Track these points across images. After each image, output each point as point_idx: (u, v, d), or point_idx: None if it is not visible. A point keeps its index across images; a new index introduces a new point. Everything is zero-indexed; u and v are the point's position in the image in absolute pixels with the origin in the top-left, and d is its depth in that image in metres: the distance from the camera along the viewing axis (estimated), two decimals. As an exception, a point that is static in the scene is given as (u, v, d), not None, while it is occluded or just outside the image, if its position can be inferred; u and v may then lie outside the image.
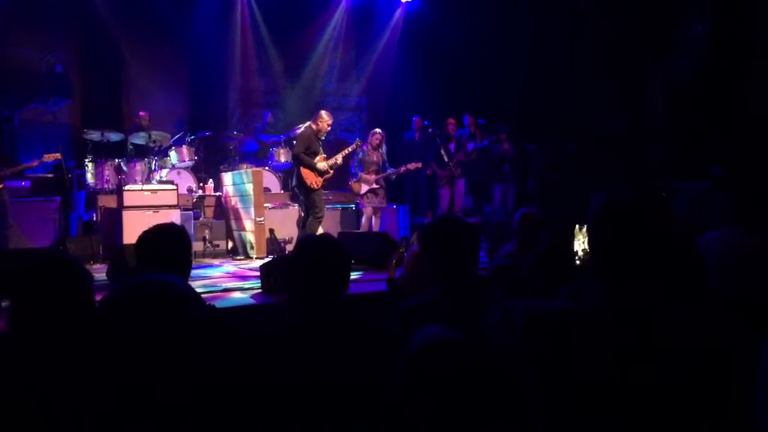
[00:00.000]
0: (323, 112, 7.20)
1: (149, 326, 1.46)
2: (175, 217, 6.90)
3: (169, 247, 2.42)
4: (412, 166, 8.18)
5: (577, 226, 2.04)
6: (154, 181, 7.59)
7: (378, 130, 8.13)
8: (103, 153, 7.93)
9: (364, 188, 7.94)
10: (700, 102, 8.23)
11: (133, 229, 6.68)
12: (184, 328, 1.53)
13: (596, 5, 9.34)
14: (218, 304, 4.05)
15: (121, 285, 1.57)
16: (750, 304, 2.60)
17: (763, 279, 2.69)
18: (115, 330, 1.49)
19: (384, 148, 8.13)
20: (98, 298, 1.78)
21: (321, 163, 7.01)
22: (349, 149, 7.64)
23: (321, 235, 5.83)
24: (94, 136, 7.96)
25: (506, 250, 3.92)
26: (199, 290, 2.96)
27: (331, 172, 7.13)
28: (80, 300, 1.66)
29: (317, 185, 6.94)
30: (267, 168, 8.54)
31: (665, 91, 9.03)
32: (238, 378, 1.96)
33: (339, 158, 7.29)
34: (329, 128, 7.21)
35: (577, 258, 2.03)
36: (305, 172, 6.92)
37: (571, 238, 2.04)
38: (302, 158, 6.95)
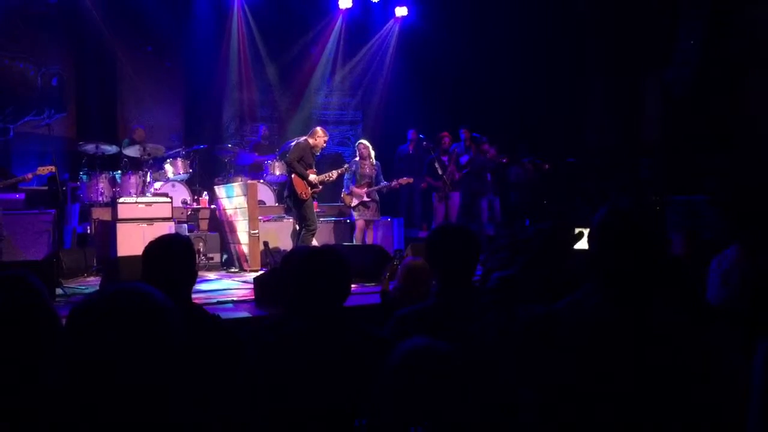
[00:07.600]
0: (319, 129, 7.26)
1: (118, 338, 1.27)
2: (169, 229, 6.87)
3: (176, 257, 2.37)
4: (403, 181, 8.21)
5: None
6: (148, 194, 7.57)
7: (362, 141, 8.25)
8: (97, 166, 7.92)
9: (355, 201, 7.95)
10: (695, 115, 8.24)
11: (127, 241, 6.66)
12: (155, 341, 1.32)
13: (591, 16, 9.40)
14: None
15: (93, 295, 1.41)
16: (748, 315, 2.62)
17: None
18: (83, 341, 1.30)
19: (376, 162, 8.13)
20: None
21: (312, 176, 7.05)
22: (340, 171, 7.71)
23: (307, 246, 5.79)
24: (89, 148, 7.95)
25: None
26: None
27: (320, 187, 7.20)
28: (34, 316, 1.54)
29: (306, 196, 6.96)
30: (262, 181, 8.54)
31: (660, 104, 9.05)
32: (234, 389, 1.94)
33: (333, 174, 7.43)
34: (325, 145, 7.34)
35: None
36: (296, 181, 6.95)
37: (566, 245, 2.04)
38: (294, 166, 6.98)
